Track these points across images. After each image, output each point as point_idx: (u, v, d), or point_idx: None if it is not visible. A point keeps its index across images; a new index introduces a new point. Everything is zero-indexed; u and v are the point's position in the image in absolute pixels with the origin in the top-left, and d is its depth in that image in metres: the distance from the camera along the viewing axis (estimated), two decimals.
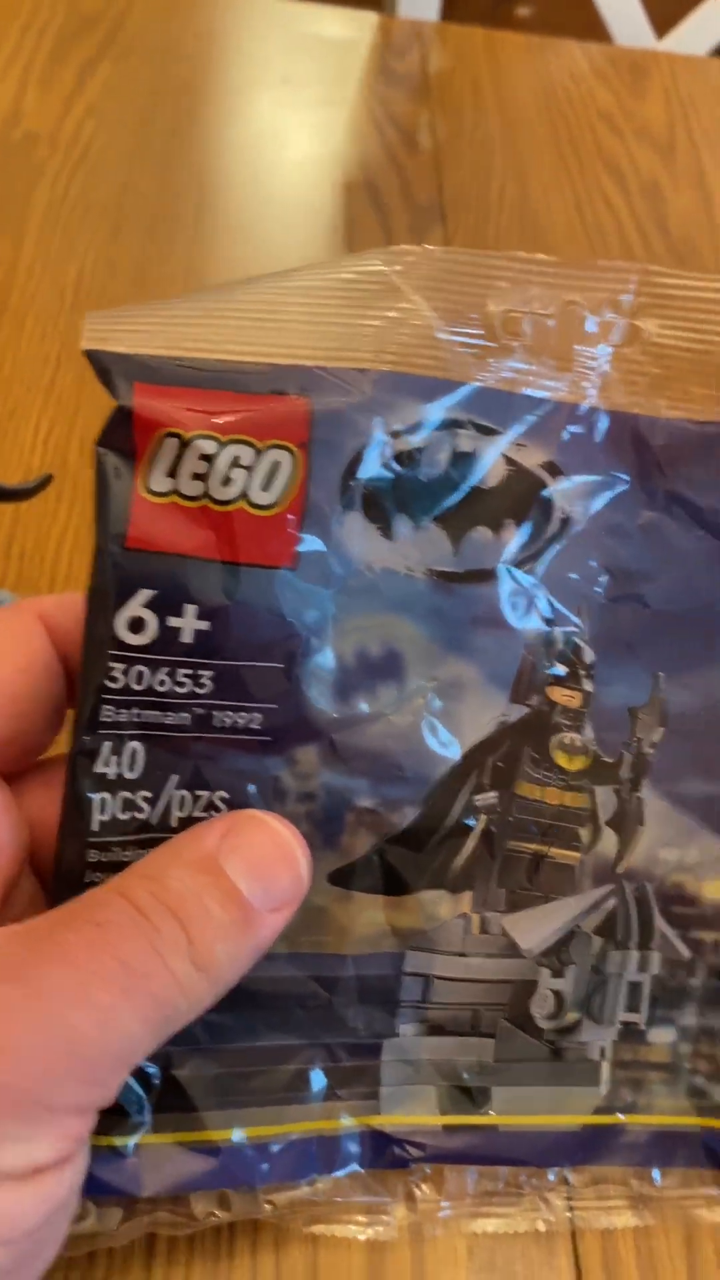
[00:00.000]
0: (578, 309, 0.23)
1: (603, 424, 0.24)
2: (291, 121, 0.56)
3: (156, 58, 0.57)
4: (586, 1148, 0.24)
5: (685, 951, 0.25)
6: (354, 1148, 0.23)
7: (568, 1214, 0.24)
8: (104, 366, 0.20)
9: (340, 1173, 0.23)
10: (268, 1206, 0.23)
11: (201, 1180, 0.22)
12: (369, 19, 0.65)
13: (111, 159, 0.51)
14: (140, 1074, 0.22)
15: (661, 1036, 0.25)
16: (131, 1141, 0.21)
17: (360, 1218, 0.23)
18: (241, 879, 0.19)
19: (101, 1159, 0.21)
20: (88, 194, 0.49)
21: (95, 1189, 0.21)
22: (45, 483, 0.30)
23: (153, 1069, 0.22)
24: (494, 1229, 0.24)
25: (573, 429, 0.24)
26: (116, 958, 0.17)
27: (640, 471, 0.24)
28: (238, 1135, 0.22)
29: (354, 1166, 0.23)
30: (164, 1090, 0.22)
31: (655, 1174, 0.25)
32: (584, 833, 0.24)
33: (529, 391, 0.23)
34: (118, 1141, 0.21)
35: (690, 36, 0.73)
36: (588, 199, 0.55)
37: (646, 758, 0.24)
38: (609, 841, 0.24)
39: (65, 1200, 0.18)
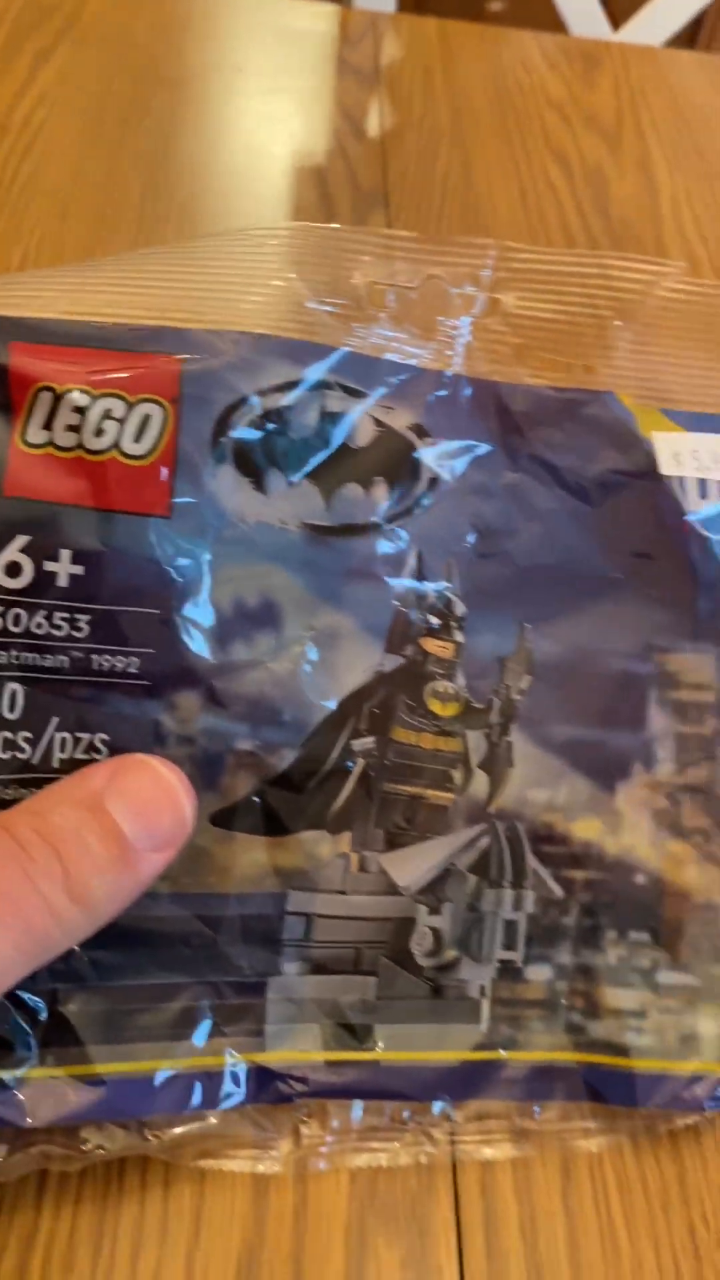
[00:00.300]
0: (439, 283, 0.25)
1: (466, 390, 0.25)
2: (242, 109, 0.57)
3: (112, 46, 0.58)
4: (468, 1083, 0.25)
5: (558, 890, 0.26)
6: (238, 1084, 0.24)
7: (449, 1147, 0.25)
8: None
9: (225, 1106, 0.24)
10: (154, 1140, 0.23)
11: (87, 1111, 0.22)
12: (325, 9, 0.66)
13: (63, 145, 0.52)
14: (27, 1010, 0.22)
15: (538, 974, 0.25)
16: (17, 1074, 0.22)
17: (246, 1153, 0.24)
18: (125, 819, 0.20)
19: None
20: (37, 179, 0.50)
21: None
22: None
23: (40, 1005, 0.22)
24: (377, 1163, 0.25)
25: (438, 394, 0.25)
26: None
27: (503, 435, 0.26)
28: (124, 1069, 0.23)
29: (238, 1101, 0.24)
30: (50, 1026, 0.22)
31: (536, 1108, 0.26)
32: (457, 775, 0.25)
33: (394, 358, 0.25)
34: (4, 1075, 0.22)
35: (645, 28, 0.74)
36: (532, 185, 0.56)
37: (515, 704, 0.26)
38: (480, 783, 0.25)
39: None
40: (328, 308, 0.24)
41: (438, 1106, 0.25)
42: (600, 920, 0.26)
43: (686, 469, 0.27)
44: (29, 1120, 0.22)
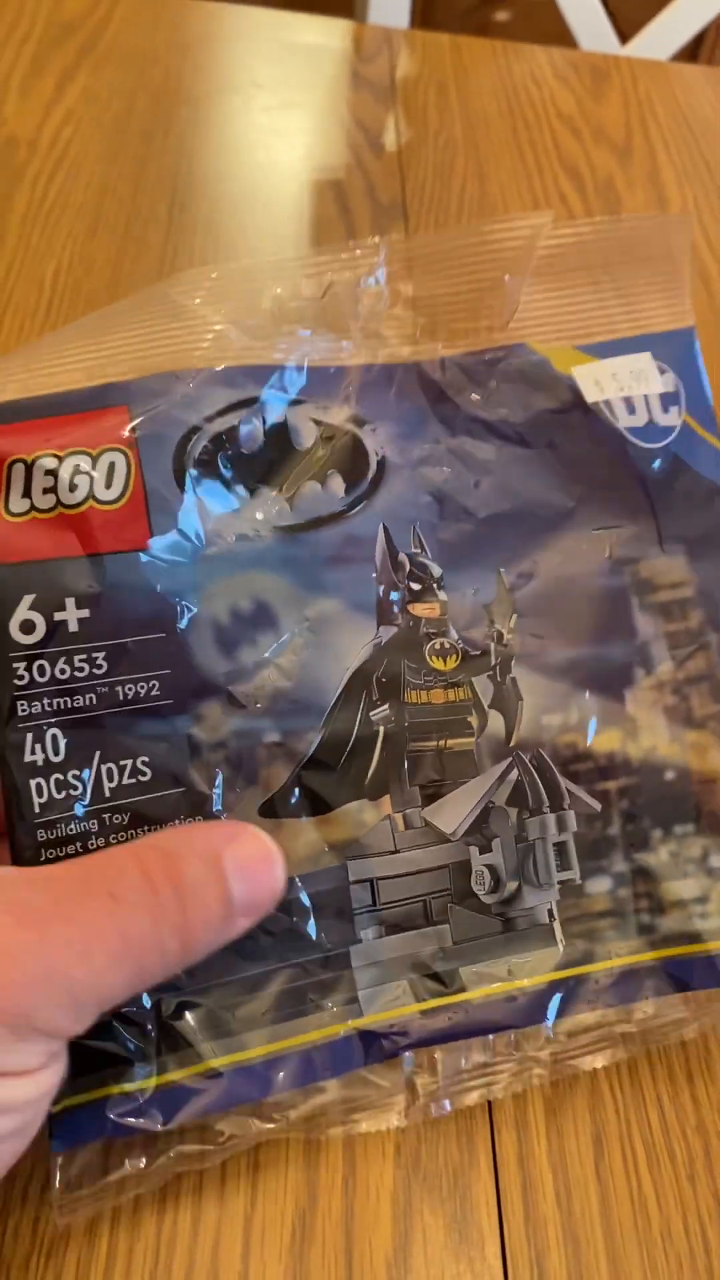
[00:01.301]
0: (341, 287, 0.27)
1: (390, 375, 0.28)
2: (262, 124, 0.59)
3: (133, 65, 0.60)
4: (559, 1001, 0.26)
5: (595, 804, 0.27)
6: (346, 1051, 0.25)
7: (556, 1065, 0.26)
8: None
9: (339, 1074, 0.25)
10: (282, 1121, 0.25)
11: (214, 1104, 0.24)
12: (340, 26, 0.68)
13: (89, 162, 0.53)
14: (136, 1026, 0.23)
15: (599, 886, 0.27)
16: (141, 1086, 0.23)
17: (371, 1114, 0.25)
18: (235, 882, 0.22)
19: (118, 1105, 0.23)
20: (66, 195, 0.51)
21: (118, 1131, 0.23)
22: None
23: (147, 1018, 0.24)
24: (492, 1096, 0.26)
25: (366, 385, 0.28)
26: (120, 931, 0.20)
27: (434, 406, 0.28)
28: (237, 1059, 0.24)
29: (349, 1067, 0.25)
30: (161, 1036, 0.24)
31: (629, 1009, 0.27)
32: (473, 720, 0.27)
33: (320, 363, 0.27)
34: (129, 1088, 0.23)
35: (652, 42, 0.75)
36: (545, 197, 0.57)
37: (509, 643, 0.27)
38: (496, 722, 0.27)
39: (42, 1096, 0.21)
40: (250, 334, 0.26)
41: (541, 1026, 0.26)
42: (643, 823, 0.27)
43: (610, 392, 0.29)
44: (162, 1124, 0.23)
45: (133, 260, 0.49)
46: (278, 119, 0.59)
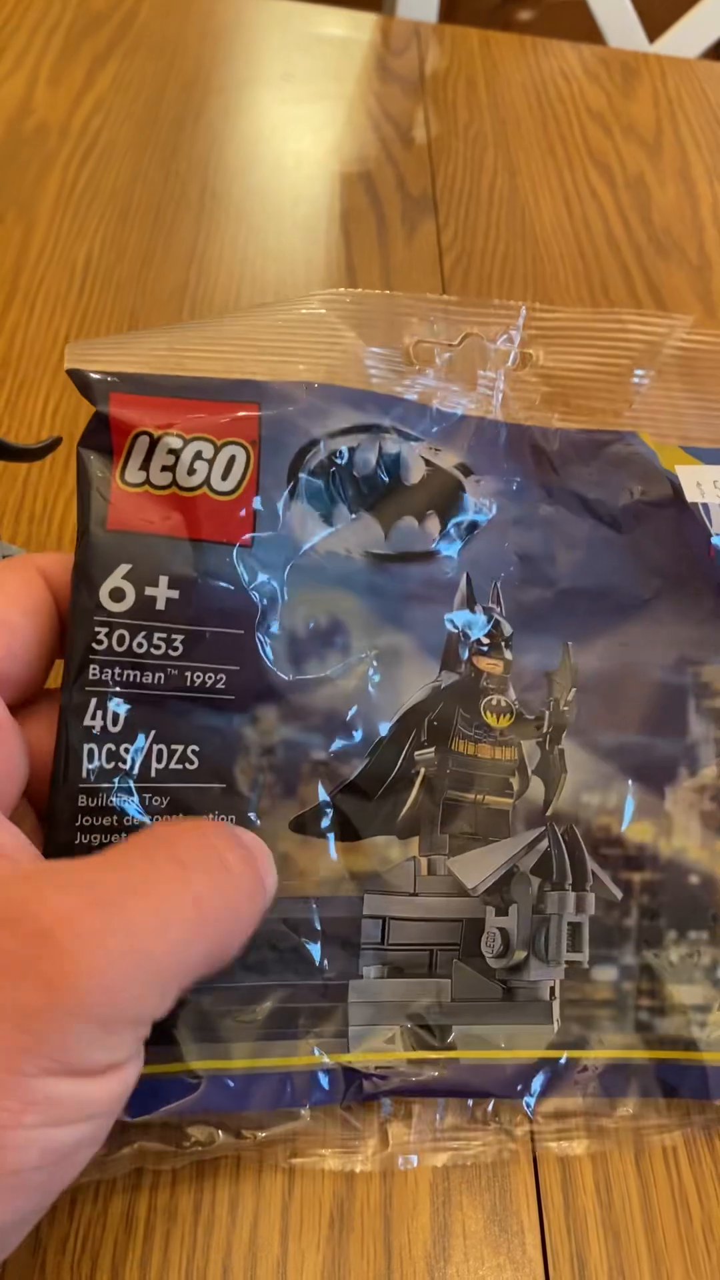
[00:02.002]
0: (476, 340, 0.28)
1: (504, 434, 0.29)
2: (291, 116, 0.59)
3: (163, 54, 0.60)
4: (544, 1081, 0.26)
5: (617, 892, 0.27)
6: (326, 1083, 0.25)
7: (529, 1143, 0.26)
8: (84, 381, 0.25)
9: (314, 1104, 0.24)
10: (249, 1138, 0.24)
11: (186, 1106, 0.23)
12: (368, 19, 0.67)
13: (119, 149, 0.53)
14: None
15: (604, 975, 0.26)
16: None
17: (336, 1151, 0.25)
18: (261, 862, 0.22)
19: None
20: (97, 182, 0.51)
21: None
22: (53, 445, 0.33)
23: None
24: (460, 1161, 0.26)
25: (479, 437, 0.28)
26: (193, 897, 0.20)
27: (538, 472, 0.29)
28: (217, 1067, 0.24)
29: (326, 1100, 0.25)
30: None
31: (611, 1104, 0.26)
32: (514, 781, 0.27)
33: (441, 406, 0.28)
34: None
35: (681, 40, 0.75)
36: (575, 193, 0.57)
37: (564, 714, 0.27)
38: (537, 789, 0.27)
39: (125, 1094, 0.20)
40: (383, 363, 0.27)
41: (520, 1100, 0.26)
42: (659, 921, 0.27)
43: (709, 496, 0.29)
44: (132, 1114, 0.23)
45: (164, 247, 0.48)
46: (307, 110, 0.59)
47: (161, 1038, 0.23)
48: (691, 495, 0.29)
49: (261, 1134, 0.24)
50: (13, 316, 0.44)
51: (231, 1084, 0.24)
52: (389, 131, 0.59)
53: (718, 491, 0.30)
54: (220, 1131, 0.24)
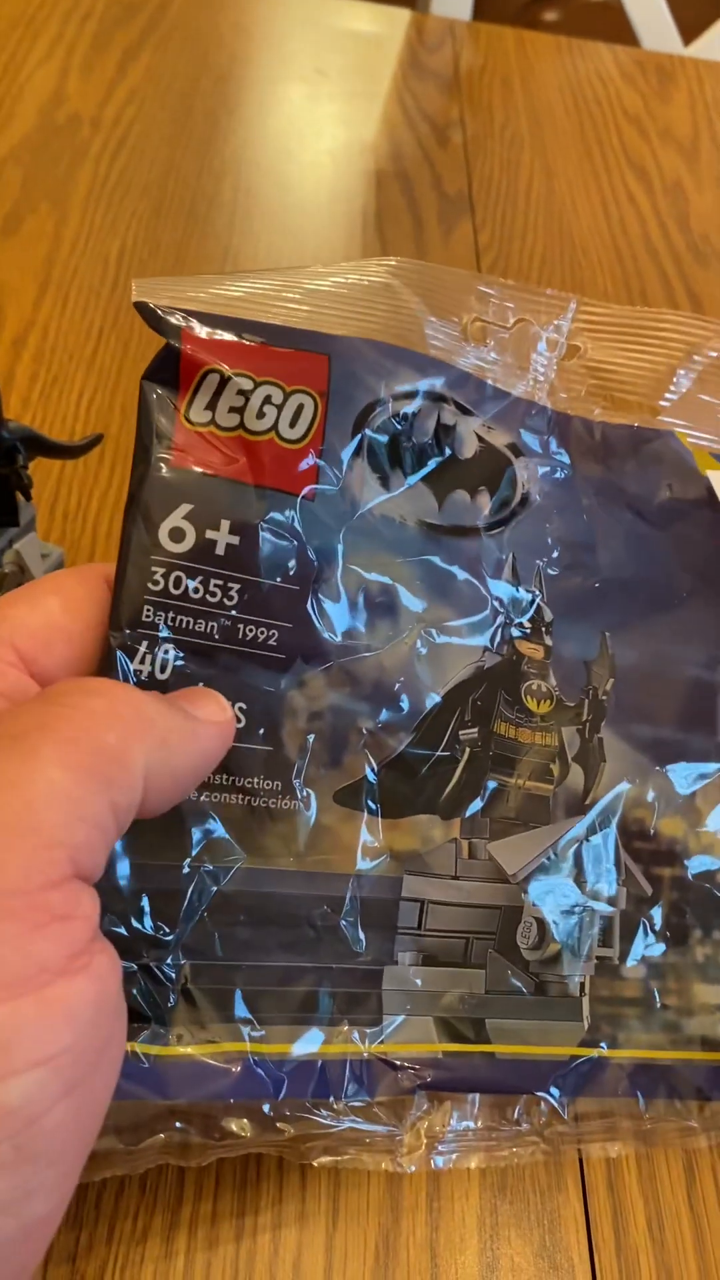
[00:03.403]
0: (528, 325, 0.28)
1: (552, 420, 0.28)
2: (325, 112, 0.58)
3: (195, 47, 0.59)
4: (576, 1078, 0.25)
5: (648, 888, 0.27)
6: (361, 1074, 0.24)
7: (564, 1145, 0.25)
8: (154, 314, 0.23)
9: (349, 1096, 0.24)
10: (285, 1131, 0.23)
11: (219, 1090, 0.22)
12: (401, 15, 0.67)
13: (153, 142, 0.52)
14: (161, 987, 0.22)
15: (634, 972, 0.26)
16: (152, 1051, 0.22)
17: (371, 1152, 0.24)
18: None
19: (124, 1066, 0.21)
20: (129, 174, 0.50)
21: (116, 1094, 0.20)
22: (95, 442, 0.32)
23: (171, 978, 0.22)
24: (495, 1163, 0.25)
25: (528, 421, 0.28)
26: (4, 734, 0.17)
27: (582, 462, 0.29)
28: (252, 1050, 0.23)
29: (362, 1093, 0.24)
30: (184, 1003, 0.22)
31: (642, 1104, 0.26)
32: (554, 768, 0.26)
33: (496, 384, 0.28)
34: (139, 1049, 0.22)
35: (715, 44, 0.74)
36: (613, 196, 0.56)
37: (602, 703, 0.27)
38: (576, 776, 0.26)
39: (93, 1014, 0.16)
40: (442, 334, 0.27)
41: (553, 1098, 0.25)
42: (687, 918, 0.27)
43: None
44: (164, 1095, 0.22)
45: (199, 242, 0.48)
46: (342, 106, 0.58)
47: (195, 1017, 0.22)
48: None
49: (294, 1129, 0.23)
50: (45, 309, 0.43)
51: (268, 1069, 0.23)
52: (424, 130, 0.58)
53: None
54: (250, 1124, 0.23)
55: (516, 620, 0.27)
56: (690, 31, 0.75)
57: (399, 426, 0.26)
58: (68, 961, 0.16)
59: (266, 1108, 0.23)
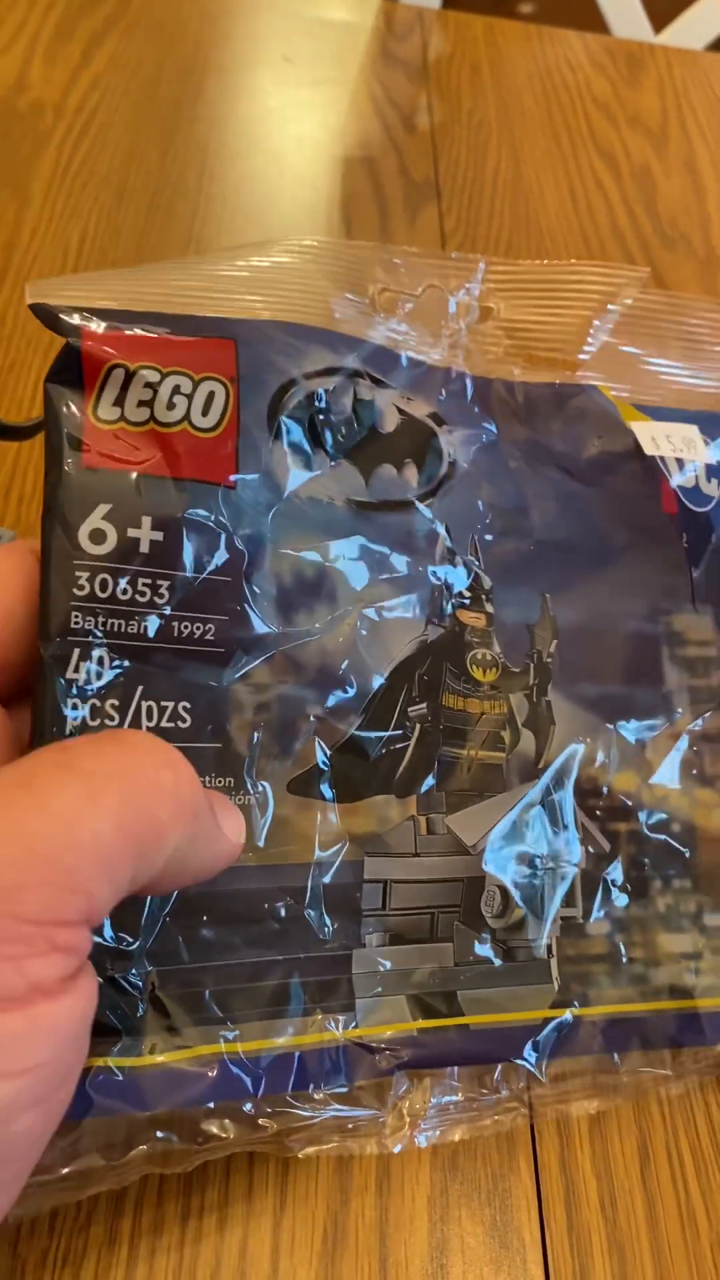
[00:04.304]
0: (438, 291, 0.28)
1: (470, 385, 0.28)
2: (292, 99, 0.57)
3: (162, 34, 0.59)
4: (550, 1040, 0.25)
5: (605, 843, 0.27)
6: (339, 1060, 0.23)
7: (542, 1108, 0.26)
8: (51, 314, 0.23)
9: (329, 1084, 0.23)
10: (268, 1128, 0.23)
11: (197, 1095, 0.22)
12: (371, 3, 0.66)
13: (116, 129, 0.52)
14: (128, 998, 0.22)
15: (598, 929, 0.26)
16: (126, 1064, 0.22)
17: (354, 1137, 0.24)
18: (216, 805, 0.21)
19: (100, 1081, 0.21)
20: (92, 162, 0.50)
21: (95, 1110, 0.21)
22: (43, 424, 0.31)
23: (139, 988, 0.22)
24: (478, 1134, 0.25)
25: (447, 389, 0.28)
26: (76, 769, 0.17)
27: (506, 424, 0.28)
28: (227, 1051, 0.23)
29: (341, 1080, 0.23)
30: (153, 1012, 0.22)
31: (616, 1059, 0.26)
32: (505, 735, 0.26)
33: (410, 354, 0.27)
34: (113, 1063, 0.22)
35: (687, 31, 0.74)
36: (580, 183, 0.56)
37: (547, 665, 0.27)
38: (528, 741, 0.27)
39: (74, 1033, 0.17)
40: (349, 308, 0.27)
41: (529, 1063, 0.25)
42: (645, 870, 0.27)
43: (664, 450, 0.30)
44: (144, 1107, 0.21)
45: (160, 229, 0.47)
46: (309, 93, 0.58)
47: (165, 1023, 0.22)
48: (649, 449, 0.29)
49: (276, 1124, 0.23)
50: (3, 295, 0.43)
51: (245, 1067, 0.23)
52: (392, 117, 0.57)
53: (671, 445, 0.30)
54: (237, 1124, 0.23)
55: (456, 590, 0.26)
56: (661, 20, 0.75)
57: (316, 406, 0.25)
58: (57, 985, 0.17)
59: (248, 1106, 0.22)
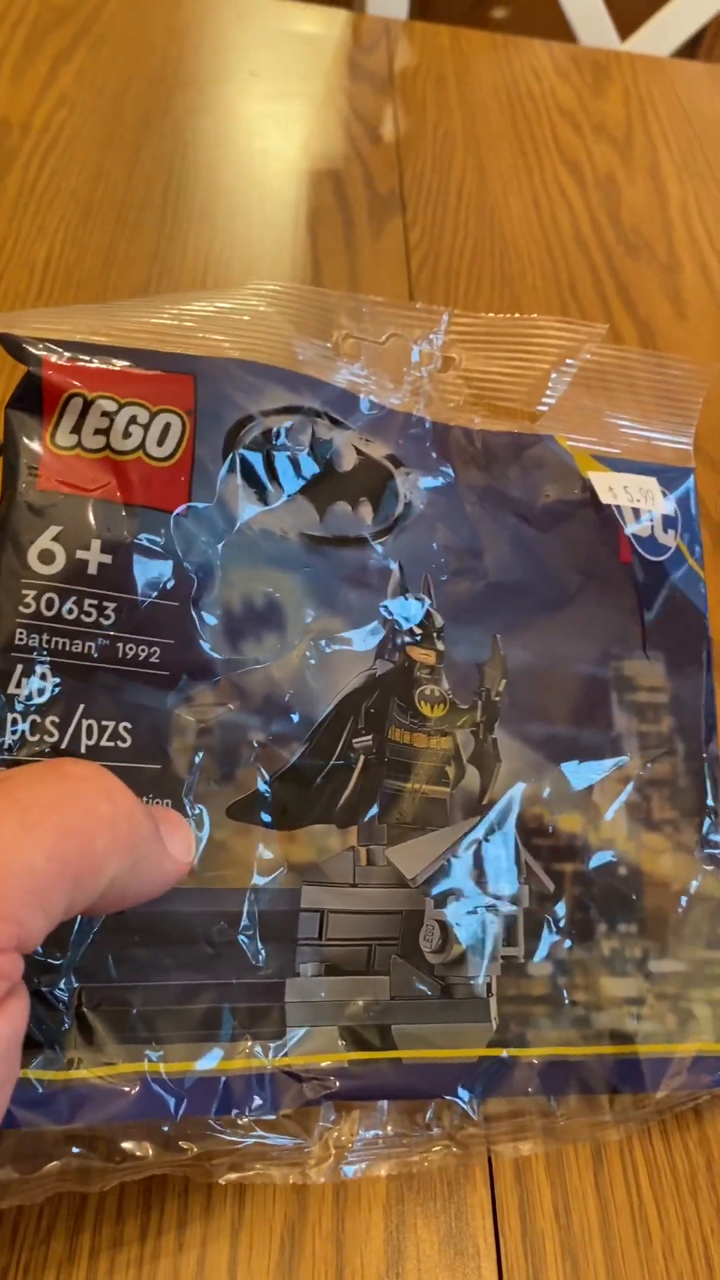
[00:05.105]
0: (401, 340, 0.29)
1: (431, 431, 0.29)
2: (259, 113, 0.58)
3: (129, 50, 0.59)
4: (486, 1080, 0.25)
5: (549, 884, 0.27)
6: (265, 1087, 0.24)
7: (476, 1147, 0.26)
8: (15, 344, 0.24)
9: (253, 1110, 0.23)
10: (188, 1150, 0.23)
11: (116, 1112, 0.22)
12: (339, 16, 0.67)
13: (83, 146, 0.52)
14: (52, 1010, 0.22)
15: (540, 970, 0.26)
16: (46, 1077, 0.22)
17: (278, 1165, 0.24)
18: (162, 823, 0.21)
19: (17, 1093, 0.21)
20: (59, 179, 0.50)
21: (10, 1123, 0.21)
22: (2, 448, 0.32)
23: (65, 1003, 0.22)
24: (407, 1170, 0.25)
25: (406, 432, 0.29)
26: (12, 799, 0.17)
27: (463, 470, 0.29)
28: (150, 1070, 0.23)
29: (265, 1106, 0.24)
30: (78, 1027, 0.22)
31: (553, 1103, 0.26)
32: (450, 770, 0.27)
33: (371, 398, 0.28)
34: (33, 1076, 0.22)
35: (653, 38, 0.75)
36: (544, 191, 0.57)
37: (495, 704, 0.28)
38: (473, 778, 0.27)
39: (9, 1048, 0.18)
40: (312, 351, 0.27)
41: (463, 1101, 0.25)
42: (590, 913, 0.27)
43: (620, 499, 0.31)
44: (61, 1121, 0.22)
45: (127, 245, 0.48)
46: (275, 107, 0.58)
47: (89, 1039, 0.22)
48: (605, 498, 0.30)
49: (200, 1146, 0.23)
50: None
51: (167, 1088, 0.23)
52: (357, 129, 0.58)
53: (628, 495, 0.31)
54: (153, 1145, 0.23)
55: (407, 627, 0.27)
56: (627, 28, 0.76)
57: (273, 442, 0.26)
58: None
59: (166, 1127, 0.23)
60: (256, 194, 0.52)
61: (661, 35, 0.74)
